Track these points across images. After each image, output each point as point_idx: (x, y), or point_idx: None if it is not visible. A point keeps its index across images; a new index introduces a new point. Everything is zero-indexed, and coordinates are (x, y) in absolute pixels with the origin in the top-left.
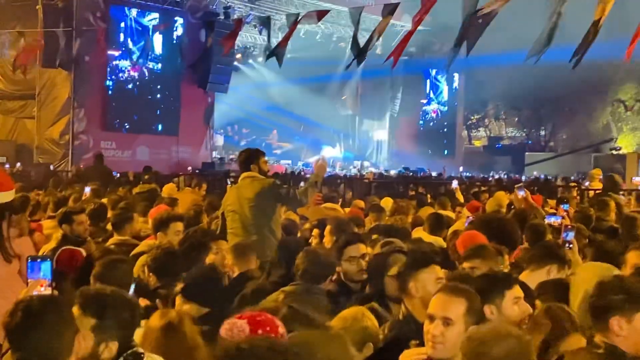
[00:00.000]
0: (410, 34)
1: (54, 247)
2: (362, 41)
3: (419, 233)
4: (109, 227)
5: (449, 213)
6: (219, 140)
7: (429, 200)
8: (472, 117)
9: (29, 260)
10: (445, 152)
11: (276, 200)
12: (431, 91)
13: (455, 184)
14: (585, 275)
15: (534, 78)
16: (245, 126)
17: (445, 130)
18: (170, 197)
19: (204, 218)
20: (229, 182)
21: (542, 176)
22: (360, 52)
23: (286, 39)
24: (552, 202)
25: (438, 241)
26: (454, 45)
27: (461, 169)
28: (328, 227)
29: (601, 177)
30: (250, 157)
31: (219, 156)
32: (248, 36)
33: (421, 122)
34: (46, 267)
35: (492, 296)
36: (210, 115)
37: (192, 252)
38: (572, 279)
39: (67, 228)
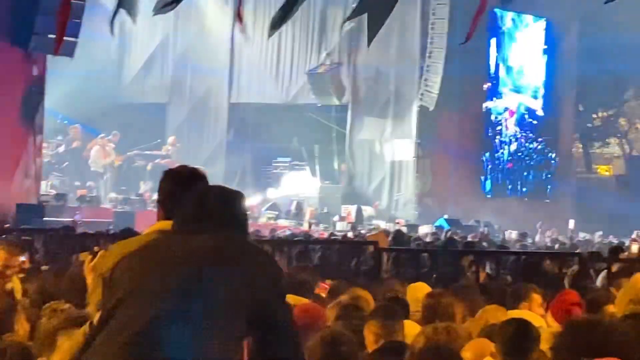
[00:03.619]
0: None
1: None
2: None
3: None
4: None
5: (535, 316)
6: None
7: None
8: (596, 116)
9: None
10: (538, 188)
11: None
12: (501, 63)
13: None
14: None
15: None
16: (116, 126)
17: (536, 143)
18: None
19: (20, 322)
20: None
21: None
22: None
23: None
24: None
25: None
26: None
27: (572, 224)
28: None
29: None
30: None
31: (54, 191)
32: None
33: (485, 127)
34: None
35: None
36: (36, 103)
37: None
38: None
39: None
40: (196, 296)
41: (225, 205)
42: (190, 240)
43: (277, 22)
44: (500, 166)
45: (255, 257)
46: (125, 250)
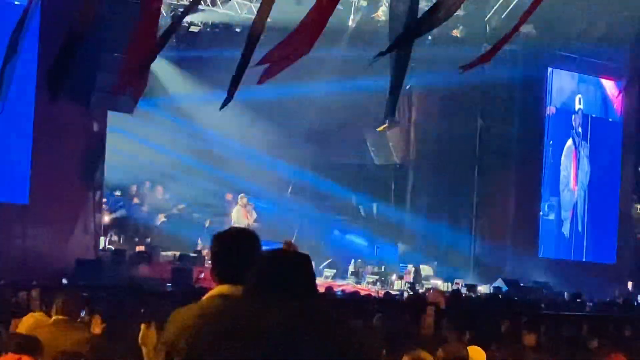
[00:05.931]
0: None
1: None
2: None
3: None
4: None
5: None
6: (117, 213)
7: None
8: None
9: None
10: (596, 250)
11: None
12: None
13: None
14: None
15: None
16: (173, 187)
17: (596, 203)
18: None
19: None
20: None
21: None
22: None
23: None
24: None
25: None
26: None
27: (630, 286)
28: None
29: None
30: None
31: (112, 247)
32: None
33: (544, 188)
34: None
35: None
36: (97, 160)
37: None
38: None
39: None
40: None
41: (297, 271)
42: (264, 309)
43: (392, 111)
44: (558, 227)
45: (336, 325)
46: (187, 319)
